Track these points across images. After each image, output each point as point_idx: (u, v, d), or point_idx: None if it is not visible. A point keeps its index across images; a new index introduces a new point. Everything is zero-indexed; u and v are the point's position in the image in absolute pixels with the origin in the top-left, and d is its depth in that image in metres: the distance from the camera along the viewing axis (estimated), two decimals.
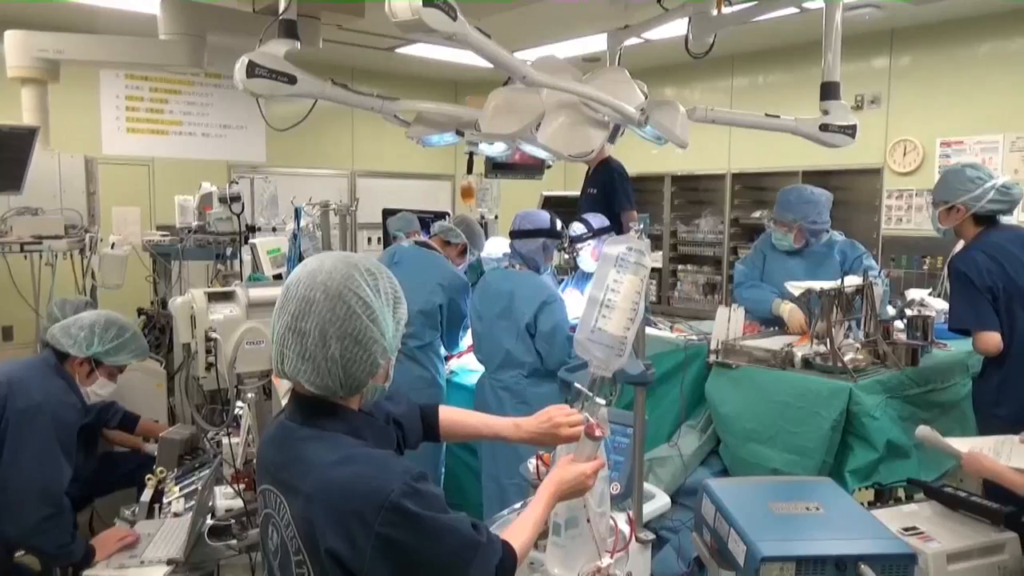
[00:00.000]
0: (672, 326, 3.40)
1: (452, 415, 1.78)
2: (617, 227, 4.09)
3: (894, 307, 3.29)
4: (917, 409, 2.79)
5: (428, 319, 3.58)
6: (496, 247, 4.35)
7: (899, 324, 3.13)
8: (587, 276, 3.94)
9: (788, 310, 3.31)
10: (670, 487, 2.80)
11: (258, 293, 2.48)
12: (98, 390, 2.77)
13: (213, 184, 4.67)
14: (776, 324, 3.42)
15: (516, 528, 1.47)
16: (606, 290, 1.62)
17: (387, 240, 5.51)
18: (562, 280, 4.19)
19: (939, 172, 5.59)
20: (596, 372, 1.64)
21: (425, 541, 1.24)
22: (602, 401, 1.64)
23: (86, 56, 4.38)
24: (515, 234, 3.43)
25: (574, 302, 3.63)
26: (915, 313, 3.11)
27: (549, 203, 5.76)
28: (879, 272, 3.43)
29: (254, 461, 2.48)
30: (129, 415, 3.75)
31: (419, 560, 1.24)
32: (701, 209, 7.24)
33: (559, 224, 3.51)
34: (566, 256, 3.99)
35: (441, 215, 4.99)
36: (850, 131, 2.91)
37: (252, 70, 2.44)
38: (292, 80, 2.52)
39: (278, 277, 3.83)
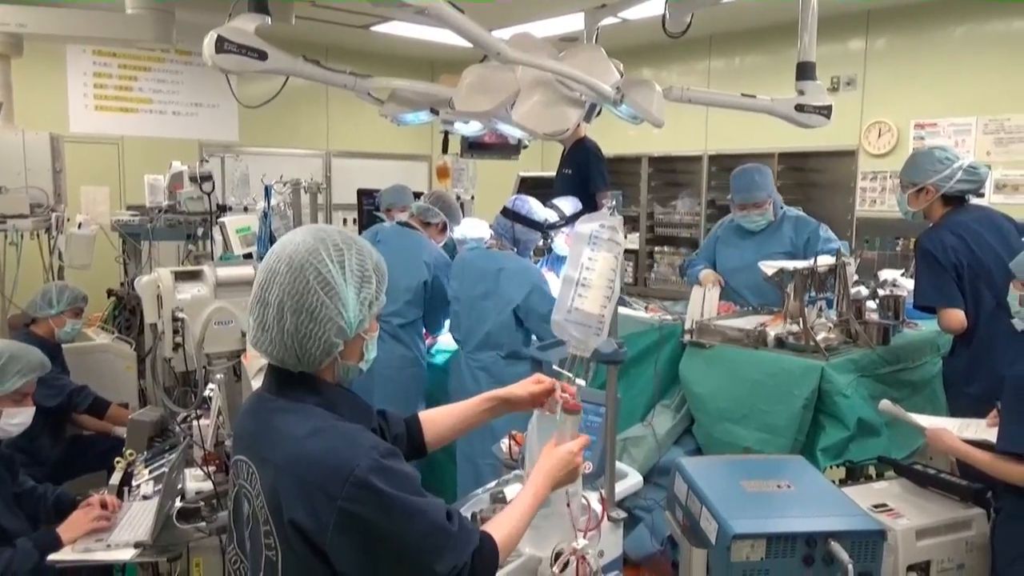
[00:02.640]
0: (647, 306, 3.41)
1: (432, 415, 1.71)
2: (593, 208, 4.08)
3: (867, 287, 3.31)
4: (888, 388, 2.81)
5: (413, 297, 3.57)
6: (472, 228, 4.32)
7: (871, 304, 3.16)
8: (560, 258, 3.94)
9: (704, 275, 3.60)
10: (644, 466, 2.82)
11: (227, 272, 2.43)
12: (11, 421, 2.50)
13: (184, 163, 4.60)
14: (751, 304, 3.45)
15: (501, 520, 1.42)
16: (581, 268, 1.60)
17: (362, 220, 5.46)
18: (536, 261, 4.18)
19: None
20: (575, 352, 1.63)
21: (389, 520, 1.21)
22: (582, 382, 1.62)
23: (50, 30, 4.27)
24: (519, 217, 3.40)
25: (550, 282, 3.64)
26: (887, 293, 3.14)
27: (526, 184, 5.72)
28: (850, 251, 3.49)
29: (225, 443, 2.45)
30: (99, 400, 3.71)
31: (382, 539, 1.21)
32: (678, 191, 7.25)
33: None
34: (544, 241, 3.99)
35: (417, 195, 4.95)
36: (825, 111, 2.90)
37: (221, 45, 2.37)
38: (262, 56, 2.46)
39: (248, 256, 3.79)
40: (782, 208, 3.63)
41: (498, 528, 1.38)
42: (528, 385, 1.64)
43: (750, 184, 3.57)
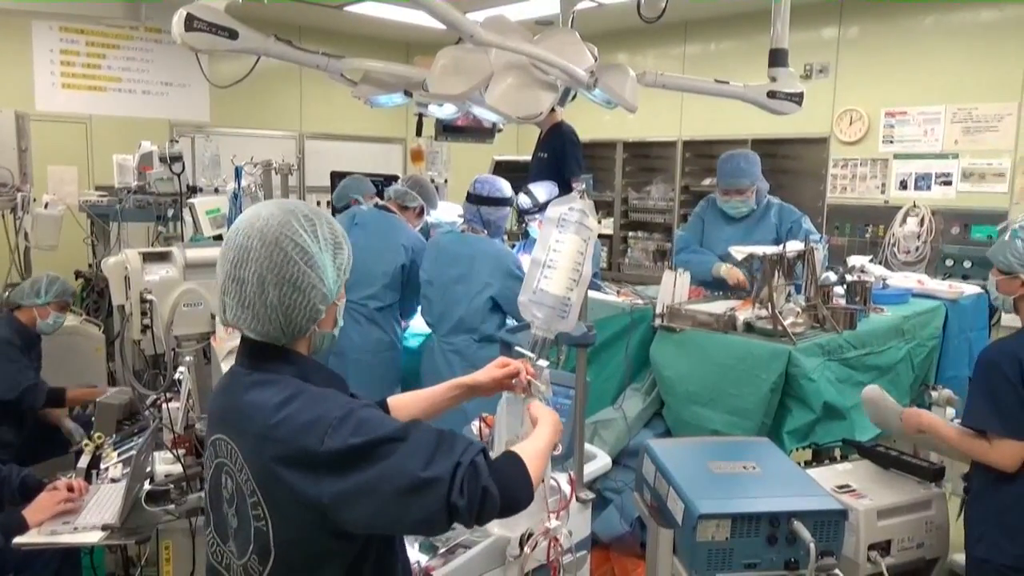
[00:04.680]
0: (619, 291, 3.43)
1: (400, 400, 1.71)
2: (567, 193, 4.08)
3: (835, 273, 3.36)
4: (854, 371, 2.86)
5: (390, 280, 3.56)
6: (445, 212, 4.31)
7: (839, 289, 3.21)
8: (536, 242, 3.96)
9: (726, 269, 3.45)
10: (614, 449, 2.84)
11: (196, 254, 2.41)
12: None
13: (154, 143, 4.53)
14: (719, 288, 3.49)
15: (521, 446, 1.41)
16: (548, 251, 1.61)
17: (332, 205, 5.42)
18: (513, 245, 4.18)
19: (883, 141, 5.72)
20: (538, 334, 1.64)
21: (375, 460, 1.21)
22: (544, 363, 1.63)
23: (13, 4, 4.17)
24: (482, 200, 3.40)
25: (527, 267, 3.64)
26: (855, 279, 3.19)
27: (500, 167, 5.71)
28: (821, 238, 3.51)
29: (196, 426, 2.44)
30: (54, 392, 3.65)
31: (375, 475, 1.20)
32: (652, 176, 7.28)
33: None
34: (519, 225, 3.99)
35: (392, 179, 4.92)
36: (797, 98, 2.92)
37: (191, 23, 2.33)
38: (233, 35, 2.42)
39: (218, 238, 3.75)
40: (767, 196, 3.66)
41: (520, 450, 1.38)
42: (492, 370, 1.66)
43: (735, 170, 3.58)
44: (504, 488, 1.25)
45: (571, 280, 1.57)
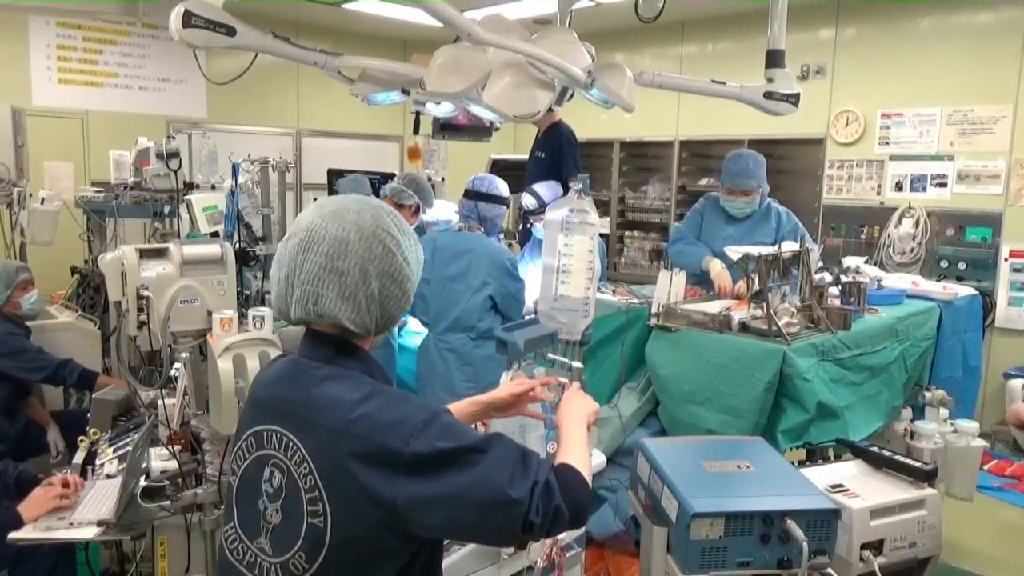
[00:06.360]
0: (615, 290, 3.44)
1: None
2: (566, 193, 4.09)
3: (831, 273, 3.38)
4: (848, 372, 2.87)
5: None
6: (441, 210, 4.31)
7: (834, 290, 3.22)
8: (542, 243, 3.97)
9: (717, 271, 3.43)
10: (610, 447, 2.86)
11: (193, 250, 2.40)
12: None
13: (150, 139, 4.52)
14: (714, 287, 3.49)
15: (564, 454, 1.43)
16: (559, 256, 1.62)
17: None
18: (509, 244, 4.20)
19: (879, 143, 5.74)
20: (565, 337, 1.66)
21: (461, 468, 1.22)
22: (579, 365, 1.66)
23: None
24: (480, 196, 3.41)
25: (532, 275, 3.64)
26: (850, 279, 3.20)
27: (497, 166, 5.71)
28: (816, 239, 3.53)
29: (191, 422, 2.44)
30: (87, 372, 3.72)
31: (456, 485, 1.21)
32: (649, 176, 7.29)
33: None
34: (526, 226, 4.00)
35: (389, 176, 4.92)
36: (793, 99, 2.93)
37: (188, 20, 2.33)
38: (231, 32, 2.43)
39: (215, 235, 3.75)
40: (768, 199, 3.67)
41: (565, 458, 1.40)
42: (510, 386, 1.70)
43: (743, 170, 3.58)
44: (571, 504, 1.28)
45: (587, 280, 1.59)
